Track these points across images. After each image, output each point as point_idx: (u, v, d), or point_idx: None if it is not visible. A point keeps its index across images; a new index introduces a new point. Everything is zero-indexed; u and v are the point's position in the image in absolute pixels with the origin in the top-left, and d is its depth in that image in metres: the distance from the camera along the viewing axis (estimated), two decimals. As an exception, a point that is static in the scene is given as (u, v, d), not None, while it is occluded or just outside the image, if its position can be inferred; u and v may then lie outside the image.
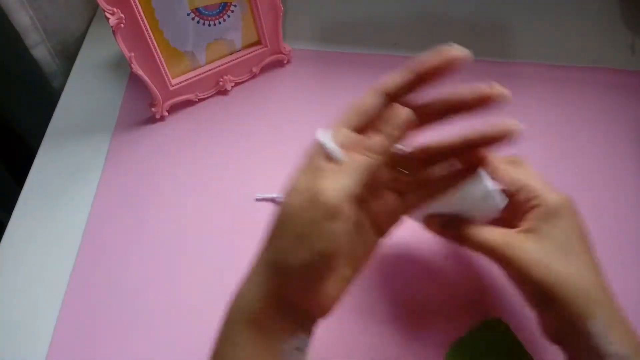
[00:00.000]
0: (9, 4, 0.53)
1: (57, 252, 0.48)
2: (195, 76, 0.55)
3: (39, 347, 0.43)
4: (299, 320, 0.30)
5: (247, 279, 0.31)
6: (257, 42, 0.57)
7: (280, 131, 0.55)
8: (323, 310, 0.31)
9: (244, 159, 0.53)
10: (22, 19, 0.55)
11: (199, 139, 0.55)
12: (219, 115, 0.56)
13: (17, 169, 0.65)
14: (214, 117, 0.56)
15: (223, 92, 0.58)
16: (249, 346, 0.28)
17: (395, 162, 0.35)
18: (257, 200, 0.37)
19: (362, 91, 0.58)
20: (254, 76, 0.59)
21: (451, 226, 0.36)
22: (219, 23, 0.54)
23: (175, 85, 0.54)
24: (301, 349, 0.31)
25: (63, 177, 0.53)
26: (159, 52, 0.51)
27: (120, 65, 0.60)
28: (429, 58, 0.32)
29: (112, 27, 0.47)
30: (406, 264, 0.47)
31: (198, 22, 0.52)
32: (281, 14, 0.55)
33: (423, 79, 0.32)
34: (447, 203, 0.36)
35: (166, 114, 0.56)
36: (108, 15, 0.46)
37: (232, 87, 0.58)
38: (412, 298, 0.45)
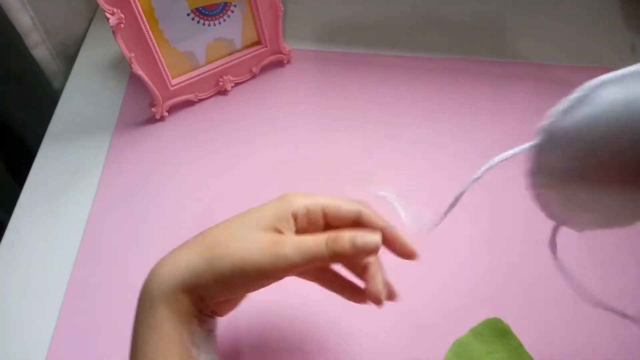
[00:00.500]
0: (10, 5, 0.53)
1: (57, 252, 0.48)
2: (195, 76, 0.55)
3: (39, 347, 0.43)
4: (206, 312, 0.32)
5: (163, 262, 0.32)
6: (257, 42, 0.57)
7: (280, 131, 0.55)
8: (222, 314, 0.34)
9: (243, 159, 0.53)
10: (23, 19, 0.55)
11: (199, 139, 0.55)
12: (219, 115, 0.56)
13: (17, 169, 0.65)
14: (214, 117, 0.56)
15: (223, 92, 0.58)
16: (164, 325, 0.30)
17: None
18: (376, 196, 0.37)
19: (362, 91, 0.58)
20: (254, 76, 0.59)
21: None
22: (219, 23, 0.54)
23: (175, 85, 0.54)
24: (212, 330, 0.33)
25: (63, 177, 0.53)
26: (159, 52, 0.51)
27: (120, 65, 0.60)
28: (401, 239, 0.34)
29: (112, 27, 0.47)
30: (406, 265, 0.47)
31: (198, 22, 0.52)
32: (281, 14, 0.55)
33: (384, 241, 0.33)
34: None
35: (166, 114, 0.56)
36: (108, 15, 0.46)
37: (232, 87, 0.58)
38: (412, 298, 0.45)
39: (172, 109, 0.56)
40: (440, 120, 0.55)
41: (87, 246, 0.48)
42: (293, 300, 0.44)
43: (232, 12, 0.53)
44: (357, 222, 0.33)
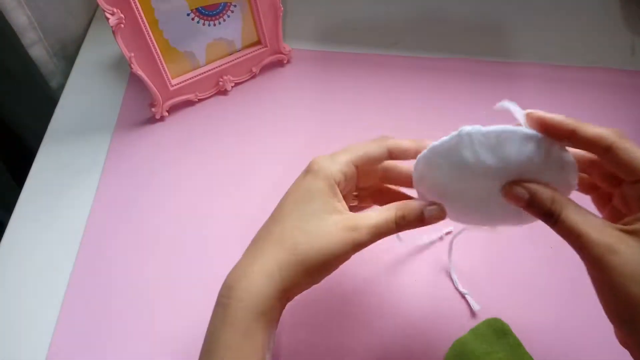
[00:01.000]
0: (6, 3, 0.53)
1: (57, 252, 0.48)
2: (195, 76, 0.55)
3: (39, 347, 0.43)
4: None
5: (251, 276, 0.32)
6: (257, 42, 0.57)
7: (280, 131, 0.55)
8: None
9: (243, 159, 0.53)
10: (19, 18, 0.55)
11: (199, 139, 0.55)
12: (219, 115, 0.56)
13: (17, 169, 0.65)
14: (213, 117, 0.56)
15: (223, 92, 0.58)
16: (258, 334, 0.31)
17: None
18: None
19: (362, 91, 0.58)
20: (254, 76, 0.59)
21: (539, 202, 0.30)
22: (219, 23, 0.54)
23: (175, 85, 0.54)
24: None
25: (63, 177, 0.52)
26: (159, 52, 0.51)
27: (120, 65, 0.60)
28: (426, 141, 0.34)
29: (112, 27, 0.47)
30: (406, 265, 0.47)
31: (198, 22, 0.52)
32: (281, 14, 0.55)
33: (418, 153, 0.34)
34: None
35: (166, 114, 0.56)
36: (108, 15, 0.46)
37: (232, 87, 0.58)
38: (412, 298, 0.45)
39: (172, 109, 0.56)
40: (440, 120, 0.55)
41: (87, 246, 0.48)
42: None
43: (232, 12, 0.53)
44: (390, 157, 0.34)
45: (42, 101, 0.63)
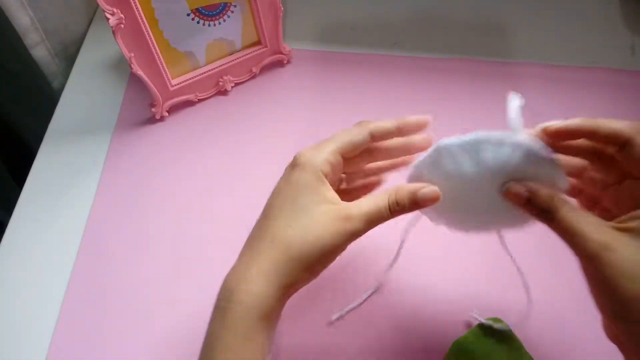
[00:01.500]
0: (9, 4, 0.53)
1: (57, 252, 0.48)
2: (195, 76, 0.55)
3: (39, 347, 0.43)
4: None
5: (249, 278, 0.32)
6: (257, 42, 0.57)
7: (280, 131, 0.55)
8: None
9: (243, 159, 0.53)
10: (22, 18, 0.55)
11: (199, 139, 0.55)
12: (219, 115, 0.56)
13: (17, 169, 0.65)
14: (214, 117, 0.56)
15: (223, 92, 0.58)
16: (258, 336, 0.31)
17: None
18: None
19: (362, 91, 0.58)
20: (254, 76, 0.59)
21: (537, 200, 0.30)
22: (219, 23, 0.54)
23: (175, 85, 0.54)
24: None
25: (63, 177, 0.53)
26: (159, 52, 0.51)
27: (120, 65, 0.60)
28: (410, 119, 0.36)
29: (112, 27, 0.47)
30: (406, 265, 0.47)
31: (198, 22, 0.52)
32: (281, 14, 0.55)
33: (400, 131, 0.36)
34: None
35: (166, 114, 0.56)
36: (108, 15, 0.46)
37: (232, 87, 0.58)
38: (412, 298, 0.45)
39: (172, 109, 0.56)
40: (440, 120, 0.55)
41: (87, 246, 0.48)
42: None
43: (232, 12, 0.53)
44: (373, 140, 0.35)
45: (43, 101, 0.63)
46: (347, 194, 0.39)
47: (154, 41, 0.50)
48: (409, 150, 0.37)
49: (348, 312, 0.44)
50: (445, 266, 0.46)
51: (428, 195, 0.32)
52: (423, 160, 0.33)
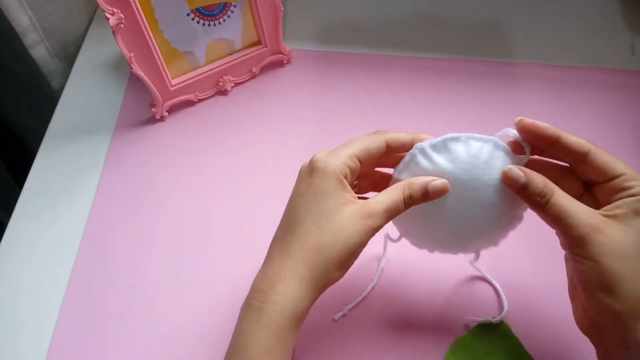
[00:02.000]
0: (8, 4, 0.53)
1: (57, 252, 0.48)
2: (195, 76, 0.55)
3: (39, 347, 0.43)
4: None
5: (284, 281, 0.33)
6: (257, 42, 0.57)
7: (280, 131, 0.55)
8: None
9: (243, 159, 0.53)
10: (21, 18, 0.55)
11: (199, 139, 0.55)
12: (219, 115, 0.56)
13: (17, 169, 0.65)
14: (214, 117, 0.56)
15: (223, 92, 0.58)
16: (289, 336, 0.33)
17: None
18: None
19: (362, 91, 0.58)
20: (254, 76, 0.59)
21: (533, 185, 0.33)
22: (219, 23, 0.54)
23: (175, 85, 0.54)
24: None
25: (63, 177, 0.53)
26: (159, 52, 0.51)
27: (120, 65, 0.60)
28: (425, 136, 0.37)
29: (112, 27, 0.47)
30: (406, 265, 0.47)
31: (198, 22, 0.52)
32: (281, 14, 0.55)
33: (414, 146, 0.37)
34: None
35: (166, 114, 0.56)
36: (108, 15, 0.46)
37: (232, 87, 0.58)
38: (412, 298, 0.45)
39: (172, 109, 0.56)
40: (440, 120, 0.55)
41: (87, 246, 0.48)
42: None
43: (232, 12, 0.53)
44: (388, 150, 0.36)
45: (43, 101, 0.63)
46: (355, 187, 0.40)
47: (154, 41, 0.50)
48: None
49: (350, 309, 0.44)
50: (446, 265, 0.46)
51: (438, 187, 0.34)
52: (402, 163, 0.36)
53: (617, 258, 0.31)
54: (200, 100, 0.57)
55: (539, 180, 0.33)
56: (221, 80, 0.57)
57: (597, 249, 0.31)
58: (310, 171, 0.35)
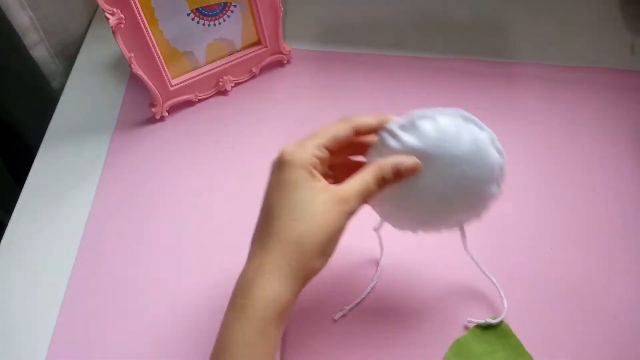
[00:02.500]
0: (8, 4, 0.53)
1: (57, 252, 0.48)
2: (195, 76, 0.55)
3: (39, 347, 0.43)
4: None
5: (264, 276, 0.33)
6: (257, 42, 0.57)
7: (280, 131, 0.55)
8: None
9: (243, 159, 0.53)
10: (22, 18, 0.55)
11: (199, 139, 0.55)
12: (219, 115, 0.56)
13: (17, 169, 0.65)
14: (213, 117, 0.56)
15: (223, 92, 0.58)
16: (273, 331, 0.32)
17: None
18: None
19: (362, 91, 0.58)
20: (253, 76, 0.59)
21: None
22: (219, 23, 0.54)
23: (175, 85, 0.54)
24: None
25: (63, 177, 0.53)
26: (159, 52, 0.51)
27: (120, 65, 0.60)
28: (392, 117, 0.37)
29: (112, 27, 0.47)
30: (406, 265, 0.47)
31: (198, 22, 0.52)
32: (281, 14, 0.55)
33: (381, 127, 0.37)
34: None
35: (166, 114, 0.56)
36: (108, 15, 0.46)
37: (232, 87, 0.58)
38: (412, 298, 0.45)
39: (172, 109, 0.56)
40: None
41: (87, 246, 0.48)
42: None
43: (232, 12, 0.53)
44: (356, 135, 0.36)
45: (43, 101, 0.63)
46: (330, 177, 0.40)
47: (154, 41, 0.50)
48: None
49: (350, 309, 0.44)
50: (445, 265, 0.46)
51: (409, 166, 0.35)
52: (372, 146, 0.36)
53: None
54: (200, 100, 0.57)
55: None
56: (221, 80, 0.57)
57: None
58: (279, 165, 0.35)
